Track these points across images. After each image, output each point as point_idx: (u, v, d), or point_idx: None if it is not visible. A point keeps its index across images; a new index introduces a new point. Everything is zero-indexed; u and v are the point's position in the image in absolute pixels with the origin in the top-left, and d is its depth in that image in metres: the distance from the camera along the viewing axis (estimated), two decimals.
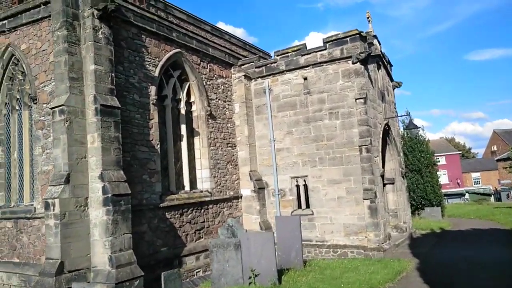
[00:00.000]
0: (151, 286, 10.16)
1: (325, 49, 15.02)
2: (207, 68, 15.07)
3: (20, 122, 12.20)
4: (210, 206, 14.21)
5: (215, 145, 14.94)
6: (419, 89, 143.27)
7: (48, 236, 9.37)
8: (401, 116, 18.84)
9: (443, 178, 59.17)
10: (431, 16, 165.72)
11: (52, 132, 10.11)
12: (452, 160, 61.53)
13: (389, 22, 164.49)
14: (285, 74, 15.97)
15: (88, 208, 9.87)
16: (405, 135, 29.11)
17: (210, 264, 10.29)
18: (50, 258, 9.21)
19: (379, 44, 17.10)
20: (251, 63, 16.73)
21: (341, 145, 14.61)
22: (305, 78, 15.50)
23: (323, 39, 15.19)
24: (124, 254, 9.74)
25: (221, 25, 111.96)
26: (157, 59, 12.72)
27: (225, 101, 15.81)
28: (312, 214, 14.96)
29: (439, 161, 57.75)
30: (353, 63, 14.47)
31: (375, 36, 16.06)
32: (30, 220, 10.83)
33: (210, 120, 14.83)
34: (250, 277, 9.45)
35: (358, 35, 14.45)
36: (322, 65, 15.15)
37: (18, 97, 12.24)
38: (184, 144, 13.99)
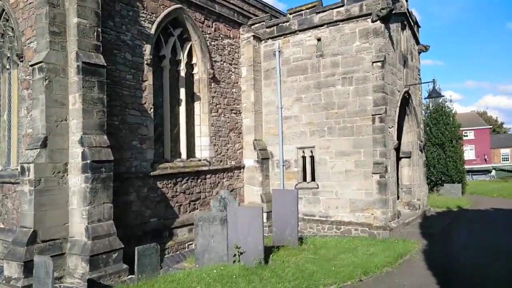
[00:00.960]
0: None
1: (342, 6, 13.65)
2: (212, 27, 14.03)
3: (10, 82, 11.61)
4: (208, 176, 13.52)
5: (217, 111, 14.09)
6: (454, 59, 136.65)
7: (23, 203, 8.87)
8: (424, 83, 17.29)
9: (470, 153, 57.09)
10: None
11: (32, 91, 9.46)
12: (481, 135, 58.84)
13: None
14: (297, 34, 14.75)
15: (67, 175, 9.29)
16: (430, 106, 27.63)
17: (195, 239, 9.66)
18: (24, 227, 8.74)
19: (406, 1, 15.55)
20: (262, 23, 15.55)
21: (353, 114, 13.51)
22: (319, 39, 14.27)
23: None
24: (103, 224, 9.18)
25: None
26: (154, 14, 11.76)
27: (231, 64, 14.81)
28: (317, 187, 14.11)
29: (466, 136, 55.70)
30: (372, 21, 13.10)
31: None
32: (15, 185, 10.34)
33: (213, 84, 13.92)
34: (235, 255, 8.78)
35: None
36: (338, 24, 13.83)
37: (8, 55, 11.61)
38: (182, 109, 13.19)
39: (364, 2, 13.23)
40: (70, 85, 9.30)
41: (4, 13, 11.34)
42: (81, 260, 8.87)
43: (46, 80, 8.99)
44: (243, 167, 15.05)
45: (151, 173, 11.37)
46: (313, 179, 14.38)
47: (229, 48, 14.75)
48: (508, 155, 62.16)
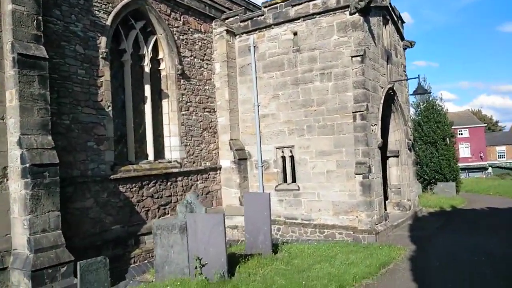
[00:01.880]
0: None
1: None
2: (180, 20, 13.04)
3: None
4: (180, 178, 12.48)
5: (188, 110, 13.07)
6: (448, 61, 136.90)
7: None
8: (410, 79, 16.26)
9: (465, 151, 56.44)
10: None
11: None
12: (476, 133, 58.25)
13: None
14: (272, 28, 13.81)
15: (7, 180, 8.25)
16: (421, 104, 26.84)
17: (154, 249, 8.60)
18: None
19: None
20: (236, 17, 14.57)
21: (333, 111, 12.56)
22: (295, 33, 13.33)
23: None
24: (48, 235, 8.12)
25: None
26: (110, 4, 10.75)
27: (202, 60, 13.81)
28: (298, 189, 13.10)
29: (461, 134, 54.99)
30: (350, 13, 12.18)
31: None
32: None
33: (182, 81, 12.91)
34: (196, 267, 7.74)
35: None
36: (315, 17, 12.91)
37: None
38: (148, 108, 12.16)
39: None
40: (6, 79, 8.25)
41: None
42: (23, 275, 7.83)
43: None
44: (220, 169, 14.02)
45: (112, 176, 10.33)
46: (293, 180, 13.37)
47: (200, 43, 13.75)
48: (504, 152, 61.47)
